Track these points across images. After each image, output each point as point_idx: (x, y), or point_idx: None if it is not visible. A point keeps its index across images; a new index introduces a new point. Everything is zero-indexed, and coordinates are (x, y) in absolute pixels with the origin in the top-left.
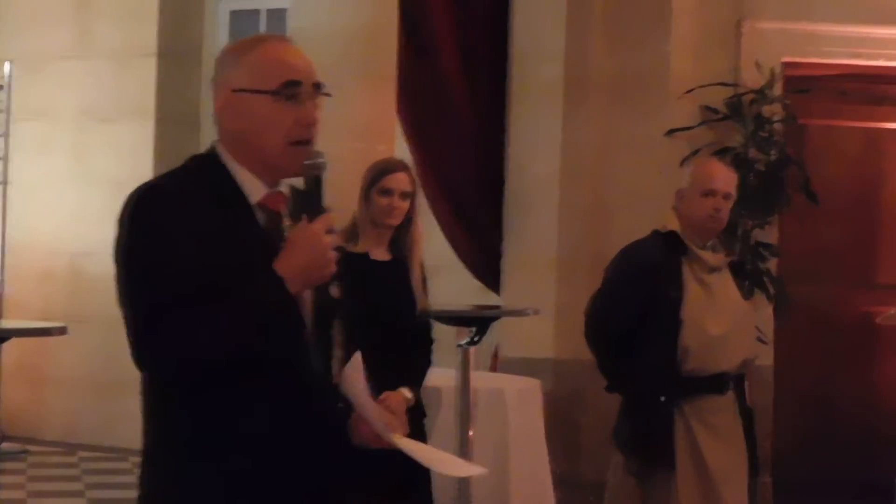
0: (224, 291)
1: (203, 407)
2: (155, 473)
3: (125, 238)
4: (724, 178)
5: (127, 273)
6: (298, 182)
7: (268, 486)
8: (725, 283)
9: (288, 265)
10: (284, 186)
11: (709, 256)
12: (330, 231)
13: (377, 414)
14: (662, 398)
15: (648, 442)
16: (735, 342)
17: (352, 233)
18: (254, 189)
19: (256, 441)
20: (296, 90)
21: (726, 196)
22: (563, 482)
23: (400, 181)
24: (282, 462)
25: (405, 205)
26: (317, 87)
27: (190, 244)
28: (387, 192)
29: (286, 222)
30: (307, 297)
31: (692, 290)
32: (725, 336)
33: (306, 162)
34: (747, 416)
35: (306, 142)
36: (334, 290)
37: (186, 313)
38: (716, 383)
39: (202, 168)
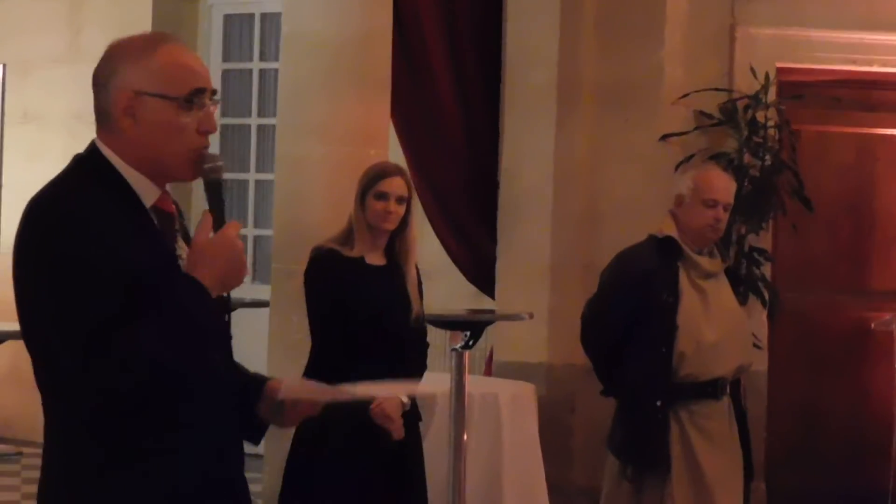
0: (144, 302)
1: (136, 421)
2: (64, 477)
3: (29, 257)
4: (726, 188)
5: (38, 297)
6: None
7: (187, 485)
8: (721, 289)
9: (207, 273)
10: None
11: (706, 262)
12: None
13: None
14: (658, 403)
15: (643, 447)
16: (730, 348)
17: (347, 237)
18: (146, 191)
19: (175, 440)
20: (200, 98)
21: (726, 207)
22: (557, 487)
23: (396, 185)
24: (209, 469)
25: (401, 209)
26: (214, 92)
27: (115, 251)
28: (382, 197)
29: (177, 225)
30: None
31: (688, 295)
32: (721, 342)
33: (206, 166)
34: (742, 421)
35: (205, 147)
36: None
37: (136, 327)
38: (711, 389)
39: (92, 171)
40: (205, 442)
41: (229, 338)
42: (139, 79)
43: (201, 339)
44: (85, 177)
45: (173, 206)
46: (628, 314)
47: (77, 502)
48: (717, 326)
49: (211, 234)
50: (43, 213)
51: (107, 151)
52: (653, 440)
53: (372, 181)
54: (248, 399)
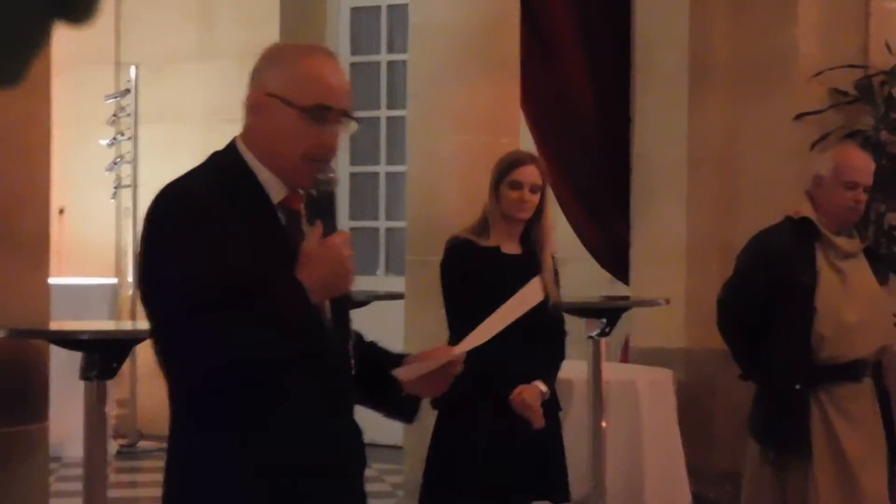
0: (247, 294)
1: (230, 401)
2: (179, 464)
3: (149, 240)
4: (867, 170)
5: (150, 276)
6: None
7: (290, 477)
8: (861, 270)
9: (310, 278)
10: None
11: (843, 243)
12: (347, 245)
13: (423, 364)
14: (797, 386)
15: (784, 431)
16: (871, 329)
17: (482, 227)
18: (275, 188)
19: (283, 434)
20: (324, 114)
21: (866, 188)
22: (697, 472)
23: (530, 174)
24: (306, 452)
25: (535, 198)
26: (345, 113)
27: (213, 247)
28: (517, 186)
29: (305, 224)
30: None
31: (826, 276)
32: (861, 323)
33: (319, 177)
34: (885, 402)
35: (321, 160)
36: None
37: (212, 321)
38: (852, 370)
39: (225, 166)
40: (297, 428)
41: (344, 328)
42: (275, 82)
43: (288, 337)
44: (214, 171)
45: (301, 205)
46: (766, 297)
47: (180, 477)
48: (857, 307)
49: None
50: (165, 200)
51: (242, 148)
52: (794, 424)
53: (505, 170)
54: (391, 381)
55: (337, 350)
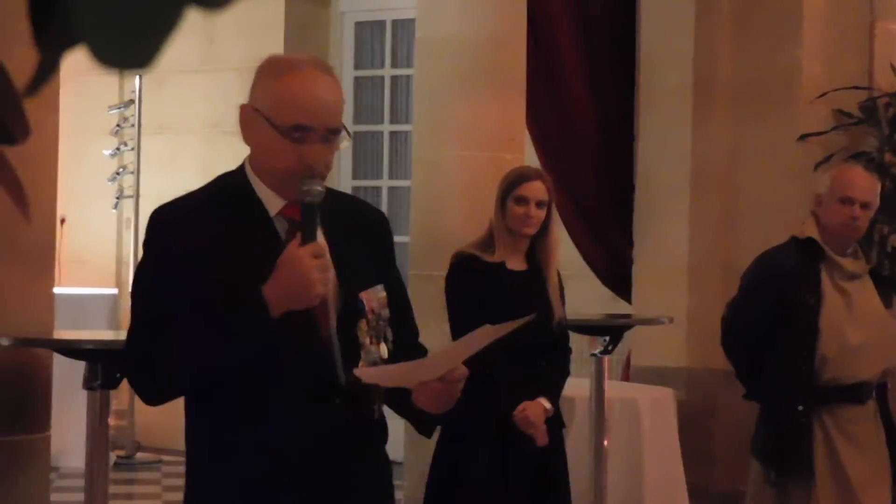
0: (212, 306)
1: (218, 413)
2: (188, 475)
3: (143, 251)
4: (864, 186)
5: (134, 284)
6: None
7: (281, 492)
8: (866, 291)
9: (272, 287)
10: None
11: (849, 263)
12: (318, 256)
13: (428, 368)
14: (800, 407)
15: (786, 451)
16: (875, 351)
17: (488, 242)
18: (271, 201)
19: (268, 446)
20: (303, 135)
21: (865, 205)
22: (698, 491)
23: (536, 190)
24: (295, 467)
25: (541, 213)
26: (332, 131)
27: (186, 266)
28: (522, 201)
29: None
30: (331, 305)
31: (831, 297)
32: (865, 345)
33: (304, 188)
34: (890, 424)
35: (305, 176)
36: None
37: (157, 339)
38: (855, 392)
39: (227, 184)
40: (271, 436)
41: (353, 341)
42: (261, 98)
43: (235, 347)
44: (216, 189)
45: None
46: (769, 317)
47: (191, 487)
48: (861, 329)
49: None
50: (149, 221)
51: (247, 164)
52: (796, 445)
53: (512, 185)
54: (405, 394)
55: (341, 362)
